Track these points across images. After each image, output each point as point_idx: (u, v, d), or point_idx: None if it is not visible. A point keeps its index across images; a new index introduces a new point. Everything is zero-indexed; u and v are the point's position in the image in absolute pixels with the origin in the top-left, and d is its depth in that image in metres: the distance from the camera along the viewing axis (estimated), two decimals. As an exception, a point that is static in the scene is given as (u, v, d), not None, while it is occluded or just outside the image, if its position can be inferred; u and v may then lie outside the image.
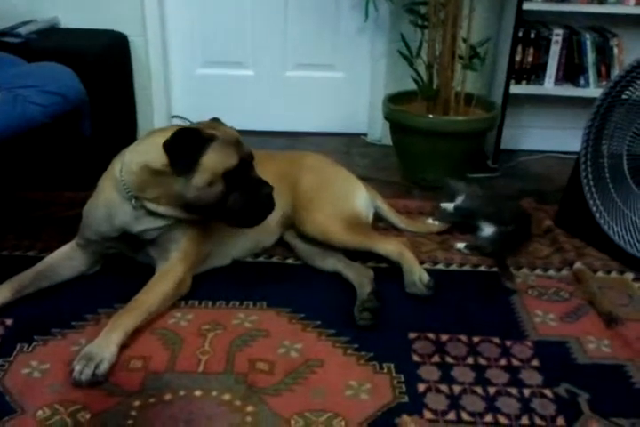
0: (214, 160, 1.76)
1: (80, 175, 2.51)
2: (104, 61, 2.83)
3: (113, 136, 2.80)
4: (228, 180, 1.78)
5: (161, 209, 1.84)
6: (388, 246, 2.09)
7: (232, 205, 1.81)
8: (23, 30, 2.80)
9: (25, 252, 2.17)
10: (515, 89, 3.01)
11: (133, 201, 1.84)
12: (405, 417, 1.52)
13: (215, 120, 1.94)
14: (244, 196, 1.81)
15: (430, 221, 2.42)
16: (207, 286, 1.99)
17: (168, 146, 1.74)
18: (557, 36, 2.98)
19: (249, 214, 1.86)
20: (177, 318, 1.86)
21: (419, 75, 2.87)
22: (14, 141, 2.09)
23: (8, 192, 2.55)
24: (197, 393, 1.57)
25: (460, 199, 2.37)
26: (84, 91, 2.26)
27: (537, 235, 2.39)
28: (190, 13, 3.28)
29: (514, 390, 1.62)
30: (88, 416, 1.49)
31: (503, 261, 2.18)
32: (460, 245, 2.28)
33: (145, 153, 1.81)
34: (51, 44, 2.77)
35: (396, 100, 2.94)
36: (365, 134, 3.46)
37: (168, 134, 1.77)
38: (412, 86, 2.93)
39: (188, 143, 1.75)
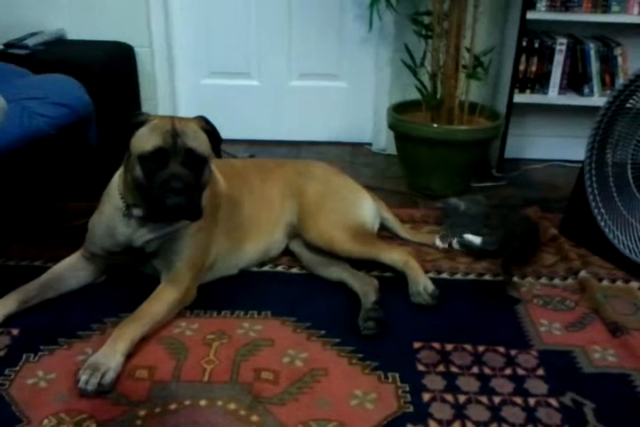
0: (135, 143, 1.77)
1: (86, 185, 2.53)
2: (110, 72, 2.86)
3: (119, 146, 2.81)
4: (143, 165, 1.74)
5: (139, 212, 1.84)
6: (394, 256, 2.10)
7: (146, 193, 1.76)
8: (30, 42, 2.82)
9: (31, 262, 2.18)
10: (519, 98, 3.02)
11: (123, 208, 1.86)
12: (410, 427, 1.52)
13: (200, 118, 1.88)
14: (153, 185, 1.74)
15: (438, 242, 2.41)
16: (212, 296, 2.00)
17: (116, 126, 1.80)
18: (561, 45, 3.00)
19: (157, 205, 1.75)
20: (182, 327, 1.86)
21: (423, 84, 2.89)
22: (21, 152, 2.10)
23: (14, 202, 2.56)
24: (203, 403, 1.57)
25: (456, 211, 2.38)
26: (90, 102, 2.28)
27: (542, 243, 2.39)
28: (195, 24, 3.31)
29: (519, 400, 1.61)
30: (94, 426, 1.49)
31: (508, 266, 2.17)
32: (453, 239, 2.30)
33: None
34: (57, 55, 2.80)
35: (400, 109, 2.95)
36: (370, 144, 3.47)
37: None
38: (417, 96, 2.94)
39: (123, 124, 1.79)
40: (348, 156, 3.36)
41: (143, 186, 1.76)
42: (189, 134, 1.78)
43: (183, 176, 1.73)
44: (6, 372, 1.66)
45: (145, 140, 1.75)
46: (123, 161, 1.87)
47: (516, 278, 2.16)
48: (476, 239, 2.29)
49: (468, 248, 2.29)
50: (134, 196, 1.83)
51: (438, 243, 2.33)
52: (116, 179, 1.91)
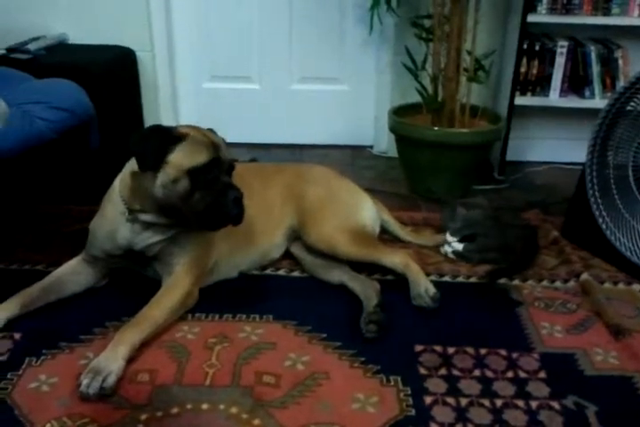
0: (181, 157, 1.75)
1: (88, 189, 2.52)
2: (112, 76, 2.87)
3: (121, 150, 2.82)
4: (193, 178, 1.75)
5: (148, 218, 1.85)
6: (395, 258, 2.10)
7: (195, 204, 1.76)
8: (32, 46, 2.83)
9: (33, 266, 2.18)
10: (520, 101, 3.02)
11: (126, 213, 1.86)
12: (412, 430, 1.52)
13: (209, 130, 1.91)
14: (207, 196, 1.76)
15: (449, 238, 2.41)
16: (214, 299, 2.00)
17: (132, 140, 1.77)
18: (562, 47, 3.00)
19: (211, 216, 1.79)
20: (184, 331, 1.86)
21: (423, 87, 2.89)
22: (23, 156, 2.11)
23: (17, 206, 2.57)
24: (204, 406, 1.57)
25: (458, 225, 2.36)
26: (91, 106, 2.29)
27: (543, 246, 2.38)
28: (197, 28, 3.32)
29: (521, 403, 1.61)
30: (95, 430, 1.50)
31: (497, 276, 2.18)
32: (448, 249, 2.30)
33: (134, 160, 1.84)
34: (59, 59, 2.81)
35: (401, 112, 2.95)
36: (371, 147, 3.48)
37: None
38: (417, 99, 2.95)
39: (154, 139, 1.75)
40: (350, 158, 3.36)
41: (185, 199, 1.76)
42: (222, 145, 1.83)
43: (236, 186, 1.80)
44: (9, 376, 1.66)
45: (193, 154, 1.76)
46: (130, 171, 1.84)
47: (517, 282, 2.16)
48: (459, 246, 2.29)
49: (462, 256, 2.29)
50: (143, 203, 1.83)
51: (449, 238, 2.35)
52: (118, 184, 1.90)
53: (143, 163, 1.76)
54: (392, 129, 2.94)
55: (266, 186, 2.22)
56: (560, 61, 3.02)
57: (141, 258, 1.93)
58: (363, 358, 1.75)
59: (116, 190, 1.90)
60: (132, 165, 1.84)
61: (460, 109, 2.86)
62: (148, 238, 1.88)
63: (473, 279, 2.18)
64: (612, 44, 3.06)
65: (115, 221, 1.89)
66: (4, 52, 2.80)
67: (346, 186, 2.32)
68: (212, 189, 1.77)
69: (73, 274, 1.98)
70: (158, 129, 1.81)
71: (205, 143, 1.79)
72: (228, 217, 1.81)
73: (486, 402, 1.61)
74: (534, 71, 3.05)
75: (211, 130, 1.92)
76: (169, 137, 1.76)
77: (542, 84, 3.07)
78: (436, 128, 2.84)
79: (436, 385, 1.67)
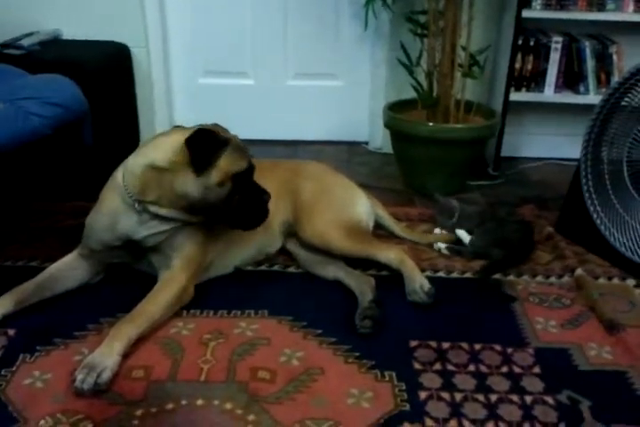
0: (229, 162, 1.81)
1: (83, 185, 2.52)
2: (106, 72, 2.86)
3: (115, 146, 2.82)
4: (235, 182, 1.83)
5: (163, 211, 1.85)
6: (390, 254, 2.10)
7: (235, 207, 1.85)
8: (26, 42, 2.82)
9: (28, 262, 2.18)
10: (515, 96, 3.02)
11: (137, 205, 1.85)
12: (407, 425, 1.52)
13: (216, 125, 1.93)
14: (245, 199, 1.87)
15: (437, 230, 2.42)
16: (209, 295, 2.00)
17: (191, 142, 1.77)
18: (557, 43, 3.00)
19: (249, 217, 1.93)
20: (179, 327, 1.86)
21: (418, 83, 2.89)
22: (16, 152, 2.10)
23: (11, 202, 2.56)
24: (199, 402, 1.57)
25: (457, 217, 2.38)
26: (85, 101, 2.28)
27: (538, 242, 2.39)
28: (191, 24, 3.31)
29: (515, 398, 1.62)
30: (90, 426, 1.49)
31: (491, 271, 2.18)
32: (442, 245, 2.30)
33: (150, 153, 1.84)
34: (53, 55, 2.79)
35: (396, 108, 2.95)
36: (366, 142, 3.47)
37: (172, 136, 1.83)
38: (412, 95, 2.95)
39: (209, 142, 1.79)
40: (345, 154, 3.36)
41: (226, 201, 1.83)
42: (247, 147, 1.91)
43: (265, 189, 1.92)
44: (2, 372, 1.66)
45: (237, 159, 1.84)
46: (146, 164, 1.82)
47: (512, 277, 2.16)
48: (466, 237, 2.30)
49: (456, 252, 2.29)
50: (160, 197, 1.83)
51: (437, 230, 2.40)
52: (121, 175, 1.88)
53: (200, 165, 1.78)
54: (387, 125, 2.94)
55: (261, 182, 2.21)
56: (555, 57, 3.02)
57: (138, 249, 1.92)
58: (357, 354, 1.76)
59: (119, 182, 1.88)
60: (150, 158, 1.82)
61: (455, 105, 2.86)
62: (152, 228, 1.88)
63: (467, 275, 2.19)
64: (606, 39, 3.06)
65: (116, 211, 1.89)
66: (-3, 47, 2.79)
67: (341, 182, 2.32)
68: (249, 193, 1.88)
69: (68, 270, 1.98)
70: (210, 133, 1.81)
71: (242, 148, 1.87)
72: (262, 218, 1.95)
73: (481, 397, 1.62)
74: (529, 67, 3.05)
75: (217, 125, 1.91)
76: (219, 141, 1.81)
77: (537, 80, 3.07)
78: (430, 124, 2.84)
79: (431, 380, 1.67)
